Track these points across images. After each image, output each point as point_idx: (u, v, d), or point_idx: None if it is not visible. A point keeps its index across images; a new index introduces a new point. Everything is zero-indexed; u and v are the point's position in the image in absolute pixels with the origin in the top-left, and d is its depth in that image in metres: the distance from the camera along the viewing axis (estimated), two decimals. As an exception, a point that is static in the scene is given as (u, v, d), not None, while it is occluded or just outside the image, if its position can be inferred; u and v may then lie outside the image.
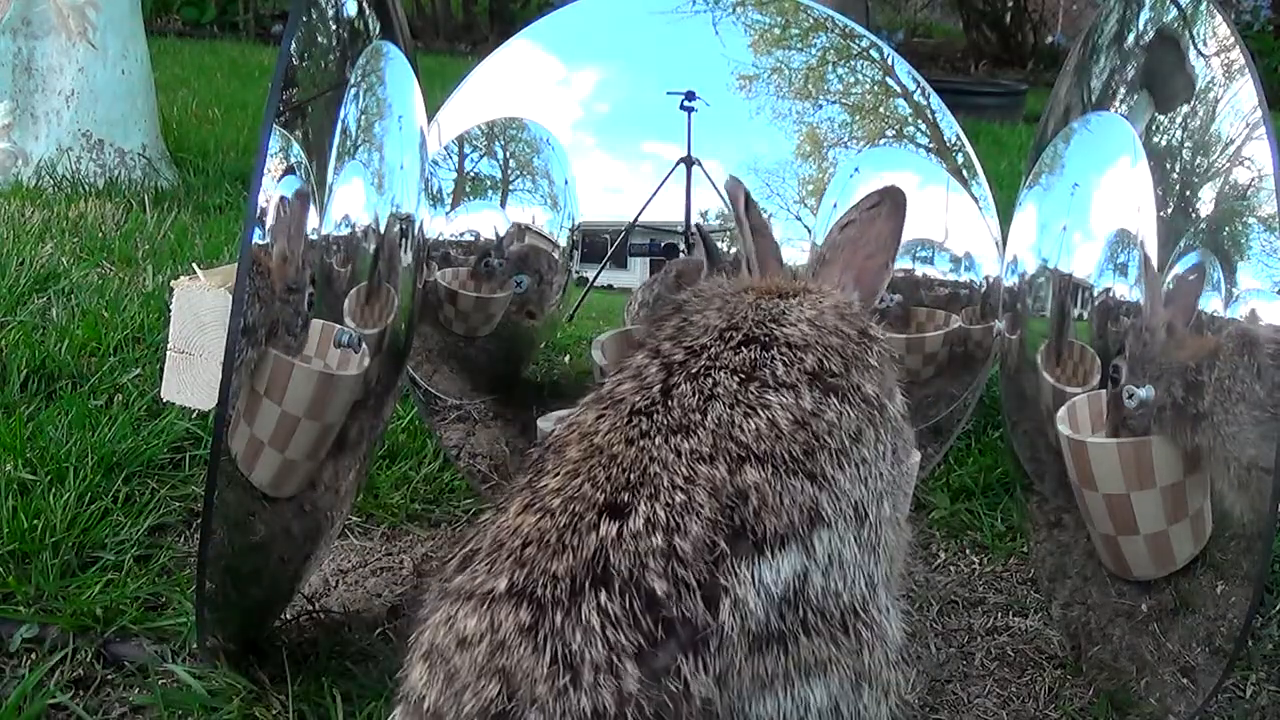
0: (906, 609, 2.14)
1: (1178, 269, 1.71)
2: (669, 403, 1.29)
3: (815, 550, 1.23)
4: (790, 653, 1.19)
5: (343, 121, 1.69)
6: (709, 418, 1.27)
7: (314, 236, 1.61)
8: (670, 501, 1.19)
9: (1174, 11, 1.85)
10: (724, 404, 1.29)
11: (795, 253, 2.18)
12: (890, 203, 1.65)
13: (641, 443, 1.25)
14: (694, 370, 1.34)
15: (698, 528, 1.18)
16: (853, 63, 2.29)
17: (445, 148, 2.24)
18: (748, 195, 1.70)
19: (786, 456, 1.26)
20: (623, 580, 1.14)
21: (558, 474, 1.25)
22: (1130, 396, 1.75)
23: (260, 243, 1.49)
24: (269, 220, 1.51)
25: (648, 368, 1.38)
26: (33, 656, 1.82)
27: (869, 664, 1.25)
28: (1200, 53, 1.74)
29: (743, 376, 1.33)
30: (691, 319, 1.47)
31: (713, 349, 1.38)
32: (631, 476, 1.21)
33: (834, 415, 1.33)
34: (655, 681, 1.12)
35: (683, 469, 1.22)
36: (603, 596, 1.13)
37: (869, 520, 1.31)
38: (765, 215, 1.81)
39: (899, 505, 1.44)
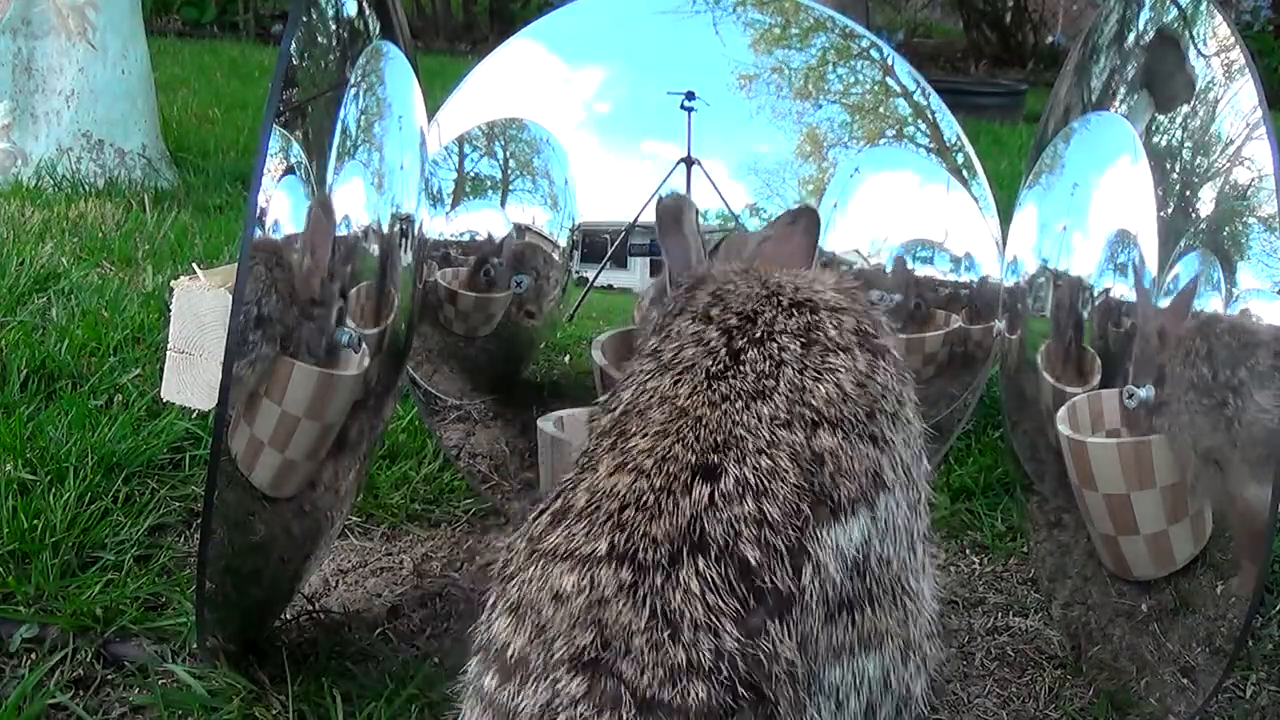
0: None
1: (1178, 269, 1.71)
2: (741, 368, 1.33)
3: (879, 515, 1.27)
4: (857, 623, 1.23)
5: (343, 121, 1.69)
6: (782, 383, 1.31)
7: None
8: (757, 465, 1.23)
9: (1174, 11, 1.85)
10: (793, 369, 1.33)
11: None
12: (806, 220, 1.71)
13: (724, 406, 1.28)
14: (756, 335, 1.38)
15: (785, 491, 1.22)
16: (853, 63, 2.29)
17: (445, 148, 2.24)
18: (694, 207, 1.78)
19: (854, 420, 1.31)
20: (719, 548, 1.18)
21: (646, 434, 1.27)
22: (1130, 396, 1.76)
23: (275, 238, 1.49)
24: (270, 221, 1.51)
25: (706, 332, 1.40)
26: (33, 656, 1.82)
27: (913, 635, 1.29)
28: (1200, 53, 1.74)
29: (803, 340, 1.37)
30: (726, 288, 1.50)
31: (766, 314, 1.41)
32: (719, 439, 1.25)
33: (884, 378, 1.39)
34: (750, 640, 1.16)
35: (765, 433, 1.25)
36: (701, 562, 1.17)
37: (915, 481, 1.37)
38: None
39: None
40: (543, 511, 1.28)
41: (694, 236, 1.72)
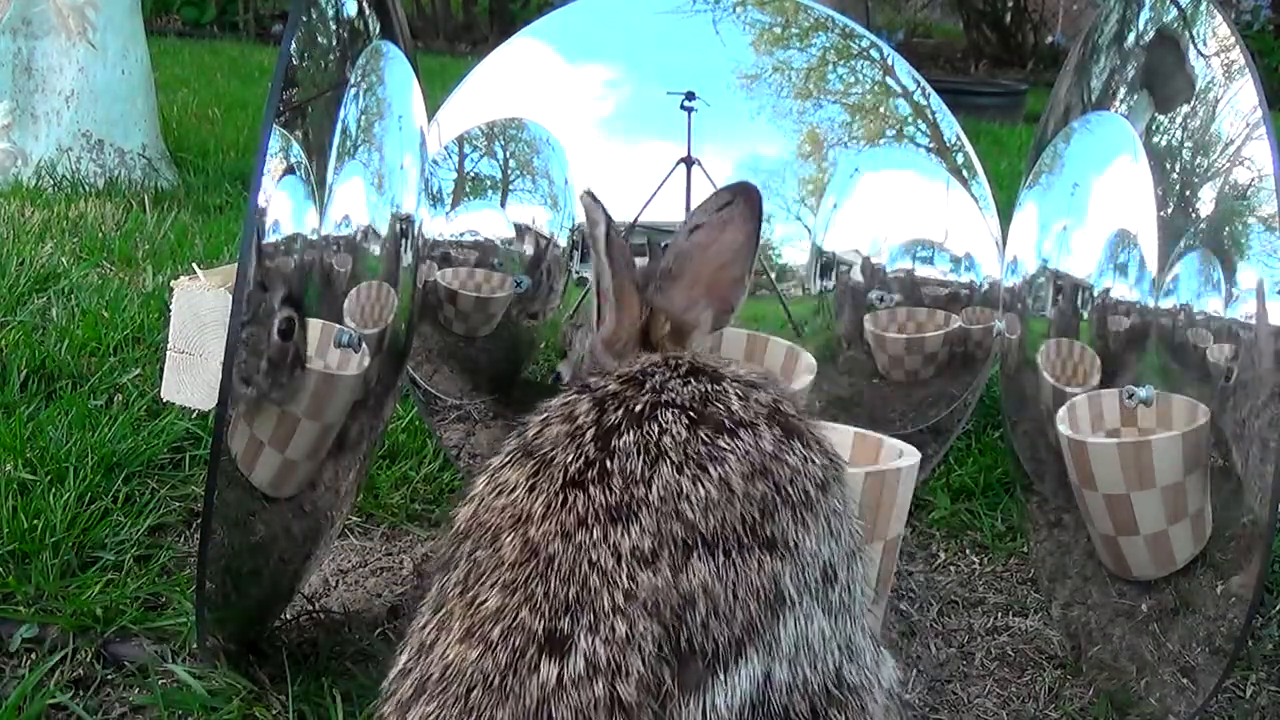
0: (906, 612, 2.14)
1: (1178, 269, 1.71)
2: (609, 464, 1.13)
3: (779, 642, 1.11)
4: None
5: (343, 121, 1.69)
6: (654, 489, 1.11)
7: (314, 236, 1.61)
8: (610, 635, 1.06)
9: (1174, 11, 1.85)
10: (672, 463, 1.12)
11: (795, 253, 2.18)
12: (743, 203, 1.44)
13: (579, 537, 1.10)
14: (636, 409, 1.17)
15: (640, 666, 1.06)
16: (853, 63, 2.29)
17: (445, 148, 2.24)
18: (609, 220, 1.44)
19: (740, 528, 1.11)
20: None
21: (495, 585, 1.12)
22: (1130, 396, 1.76)
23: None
24: (270, 221, 1.51)
25: (577, 406, 1.20)
26: (33, 656, 1.82)
27: None
28: (1200, 53, 1.74)
29: (693, 416, 1.16)
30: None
31: (658, 376, 1.22)
32: (570, 592, 1.08)
33: (798, 460, 1.18)
34: None
35: (623, 579, 1.08)
36: None
37: (838, 582, 1.17)
38: (629, 240, 1.62)
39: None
40: (407, 673, 1.16)
41: (606, 255, 1.44)
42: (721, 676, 1.08)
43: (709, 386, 1.21)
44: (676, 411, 1.16)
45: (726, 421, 1.17)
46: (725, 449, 1.14)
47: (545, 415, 1.22)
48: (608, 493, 1.11)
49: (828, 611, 1.15)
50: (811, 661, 1.12)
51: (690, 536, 1.09)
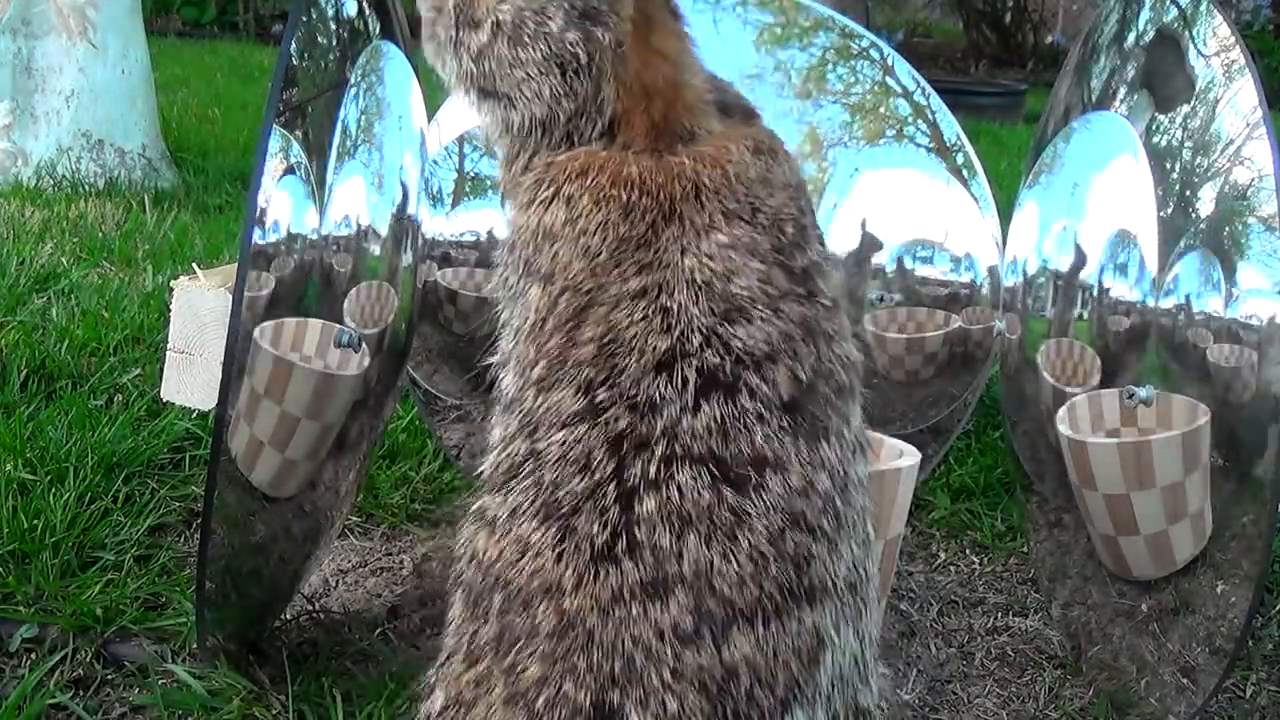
0: (906, 612, 2.14)
1: (1178, 269, 1.71)
2: (635, 534, 1.07)
3: (819, 686, 1.10)
4: None
5: (343, 121, 1.69)
6: (685, 565, 1.06)
7: (314, 236, 1.61)
8: (661, 711, 1.04)
9: (1174, 11, 1.85)
10: (699, 535, 1.07)
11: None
12: None
13: (617, 612, 1.06)
14: (652, 473, 1.09)
15: None
16: (853, 62, 2.29)
17: (445, 148, 2.24)
18: None
19: (778, 594, 1.08)
20: None
21: (534, 653, 1.09)
22: (1130, 396, 1.76)
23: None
24: (270, 221, 1.51)
25: (591, 446, 1.11)
26: (33, 656, 1.82)
27: None
28: (1200, 53, 1.74)
29: (713, 473, 1.09)
30: (617, 318, 1.17)
31: (665, 409, 1.11)
32: (616, 666, 1.06)
33: (826, 480, 1.13)
34: None
35: (669, 658, 1.05)
36: None
37: (860, 584, 1.16)
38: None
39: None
40: None
41: None
42: None
43: (725, 409, 1.11)
44: (695, 467, 1.09)
45: (750, 471, 1.10)
46: (751, 513, 1.08)
47: (552, 442, 1.13)
48: (640, 568, 1.07)
49: (857, 631, 1.14)
50: (841, 690, 1.12)
51: (728, 612, 1.06)
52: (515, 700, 1.09)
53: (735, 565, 1.07)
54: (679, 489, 1.08)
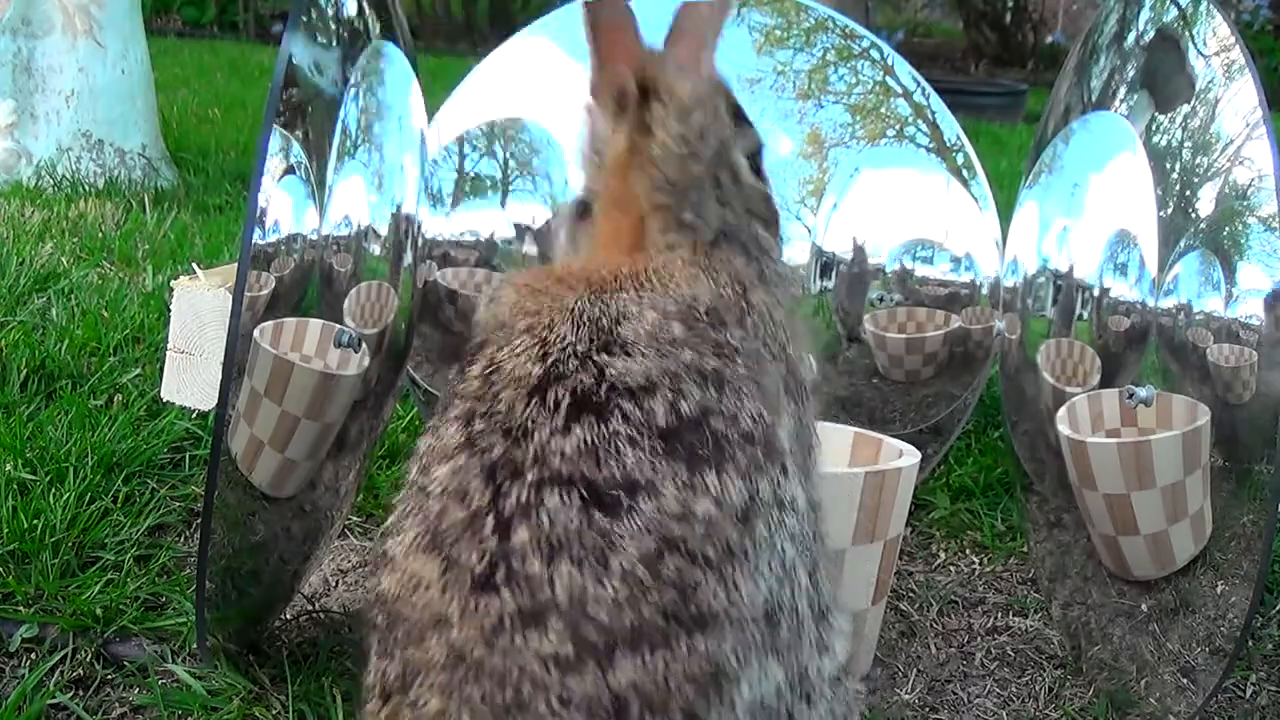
0: (906, 612, 2.13)
1: (1178, 268, 1.71)
2: (511, 564, 1.05)
3: (734, 715, 1.04)
4: None
5: (343, 121, 1.69)
6: (558, 591, 1.03)
7: (314, 236, 1.61)
8: None
9: (1174, 11, 1.85)
10: (569, 560, 1.03)
11: (795, 253, 2.18)
12: None
13: (500, 642, 1.03)
14: (524, 497, 1.06)
15: None
16: (853, 63, 2.29)
17: (445, 148, 2.24)
18: None
19: (660, 620, 1.03)
20: None
21: (432, 686, 1.06)
22: (1130, 396, 1.76)
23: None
24: (270, 221, 1.51)
25: (467, 477, 1.10)
26: (33, 656, 1.82)
27: None
28: (1200, 53, 1.74)
29: (582, 496, 1.05)
30: (500, 355, 1.17)
31: (536, 433, 1.09)
32: (508, 696, 1.03)
33: (708, 505, 1.07)
34: None
35: (555, 686, 1.02)
36: None
37: (786, 614, 1.10)
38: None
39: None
40: None
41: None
42: None
43: (595, 431, 1.08)
44: (565, 491, 1.06)
45: (621, 494, 1.06)
46: (623, 535, 1.04)
47: (439, 473, 1.12)
48: (518, 596, 1.04)
49: (782, 660, 1.09)
50: (782, 700, 1.07)
51: (608, 639, 1.02)
52: None
53: (609, 590, 1.03)
54: (548, 514, 1.06)
